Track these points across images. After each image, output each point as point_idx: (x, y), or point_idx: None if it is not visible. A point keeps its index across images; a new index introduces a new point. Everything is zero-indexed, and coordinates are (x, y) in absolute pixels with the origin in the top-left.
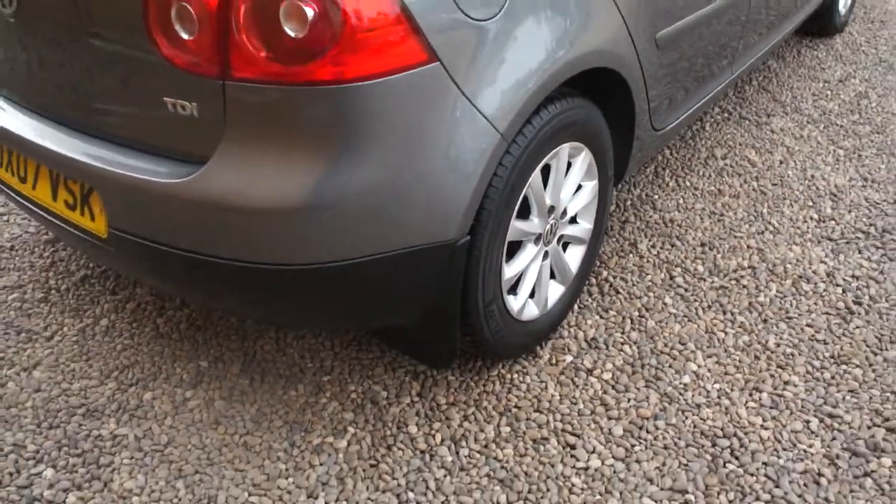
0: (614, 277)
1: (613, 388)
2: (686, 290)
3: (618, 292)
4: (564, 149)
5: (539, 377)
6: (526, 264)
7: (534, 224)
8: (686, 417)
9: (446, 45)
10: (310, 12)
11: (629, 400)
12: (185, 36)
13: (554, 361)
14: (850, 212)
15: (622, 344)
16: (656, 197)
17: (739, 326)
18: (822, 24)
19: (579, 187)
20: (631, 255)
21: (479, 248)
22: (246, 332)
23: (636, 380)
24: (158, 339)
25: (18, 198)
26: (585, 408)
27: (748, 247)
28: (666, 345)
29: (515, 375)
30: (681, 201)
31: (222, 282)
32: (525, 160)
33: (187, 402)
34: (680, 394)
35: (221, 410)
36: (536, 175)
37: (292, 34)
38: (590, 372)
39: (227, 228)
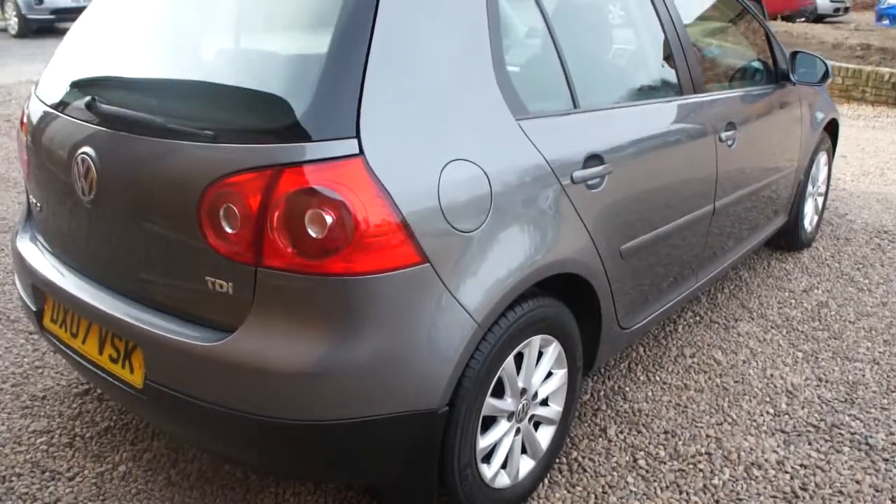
0: (583, 458)
1: None
2: (647, 471)
3: (585, 470)
4: (536, 340)
5: None
6: (499, 437)
7: (507, 403)
8: None
9: (436, 250)
10: (329, 219)
11: None
12: (228, 230)
13: None
14: (803, 408)
15: None
16: (627, 389)
17: None
18: (790, 240)
19: (550, 374)
20: (600, 439)
21: (457, 419)
22: (249, 485)
23: None
24: (170, 487)
25: (67, 350)
26: None
27: (707, 435)
28: None
29: None
30: (650, 393)
31: (239, 432)
32: (499, 347)
33: None
34: None
35: None
36: (510, 361)
37: (314, 235)
38: None
39: (248, 386)
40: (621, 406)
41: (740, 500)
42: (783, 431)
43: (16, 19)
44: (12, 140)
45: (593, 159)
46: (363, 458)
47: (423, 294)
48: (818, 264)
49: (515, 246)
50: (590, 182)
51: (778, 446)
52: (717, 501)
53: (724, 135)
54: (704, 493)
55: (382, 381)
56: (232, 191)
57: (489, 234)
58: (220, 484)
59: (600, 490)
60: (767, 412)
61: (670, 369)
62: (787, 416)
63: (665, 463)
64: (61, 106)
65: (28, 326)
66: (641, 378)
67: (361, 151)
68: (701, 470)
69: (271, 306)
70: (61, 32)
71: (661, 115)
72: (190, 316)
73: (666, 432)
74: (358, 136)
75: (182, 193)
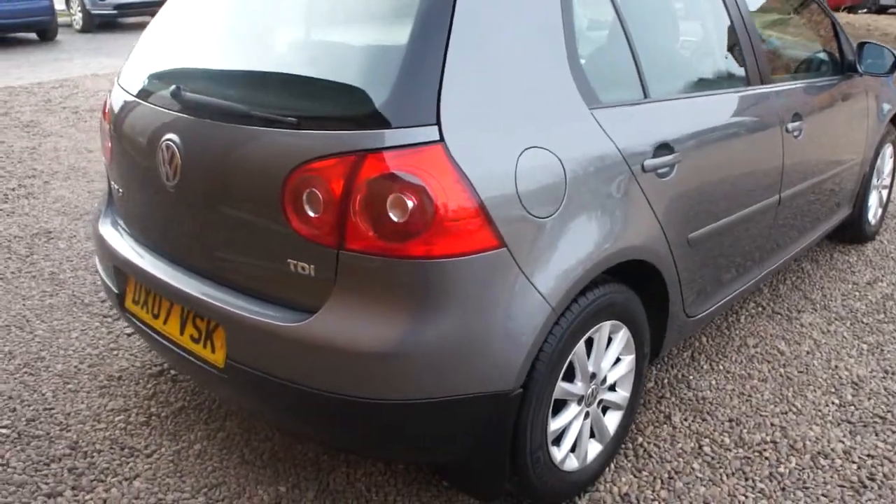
0: (648, 443)
1: None
2: (713, 458)
3: (650, 456)
4: (606, 325)
5: None
6: (569, 421)
7: (577, 387)
8: None
9: (512, 235)
10: (410, 203)
11: None
12: (311, 214)
13: None
14: (869, 399)
15: (652, 501)
16: (691, 377)
17: (759, 492)
18: (854, 232)
19: (618, 360)
20: (665, 426)
21: (530, 401)
22: (321, 464)
23: None
24: (244, 465)
25: (147, 330)
26: None
27: (772, 424)
28: (692, 503)
29: None
30: (713, 382)
31: (318, 410)
32: (571, 332)
33: None
34: None
35: None
36: (581, 345)
37: (395, 219)
38: None
39: (329, 366)
40: (685, 394)
41: (807, 488)
42: (849, 422)
43: (80, 14)
44: (80, 132)
45: (663, 148)
46: (438, 438)
47: (500, 278)
48: (882, 257)
49: (588, 232)
50: (660, 171)
51: (844, 436)
52: (783, 489)
53: (790, 126)
54: (771, 481)
55: (460, 362)
56: (315, 176)
57: (563, 221)
58: (292, 463)
59: (666, 475)
60: (833, 402)
61: (734, 359)
62: (852, 407)
63: (730, 450)
64: (145, 95)
65: (102, 309)
66: (705, 367)
67: (441, 138)
68: (767, 458)
69: (352, 288)
70: (123, 27)
71: (728, 106)
72: (271, 297)
73: (730, 420)
74: (438, 124)
75: (265, 178)
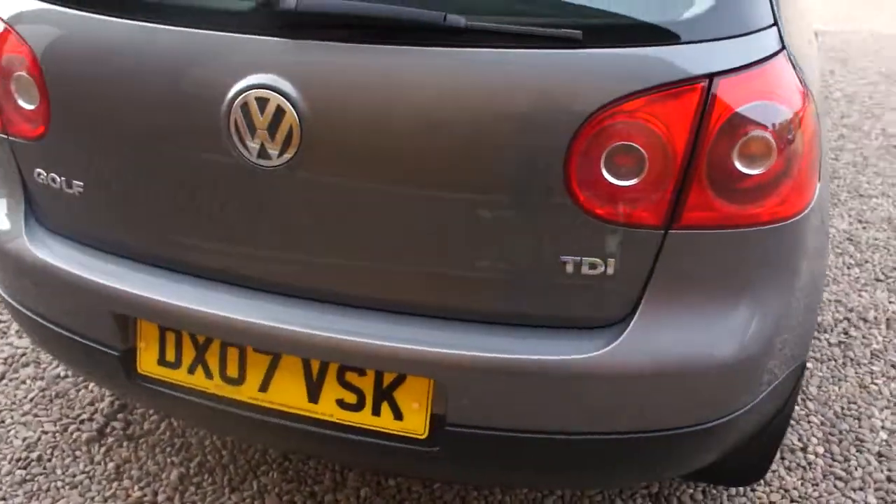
0: None
1: None
2: None
3: None
4: None
5: None
6: None
7: None
8: None
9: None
10: (773, 144)
11: None
12: (617, 182)
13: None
14: None
15: None
16: None
17: None
18: None
19: None
20: None
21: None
22: None
23: None
24: None
25: (204, 402)
26: None
27: None
28: None
29: None
30: None
31: (602, 456)
32: None
33: None
34: None
35: None
36: None
37: (749, 171)
38: None
39: (636, 398)
40: None
41: None
42: None
43: None
44: None
45: None
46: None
47: (816, 234)
48: None
49: None
50: None
51: None
52: None
53: None
54: None
55: (791, 342)
56: (633, 122)
57: None
58: None
59: None
60: None
61: None
62: None
63: None
64: (150, 10)
65: None
66: None
67: (783, 45)
68: None
69: (675, 282)
70: None
71: None
72: (513, 319)
73: None
74: (776, 24)
75: (525, 135)
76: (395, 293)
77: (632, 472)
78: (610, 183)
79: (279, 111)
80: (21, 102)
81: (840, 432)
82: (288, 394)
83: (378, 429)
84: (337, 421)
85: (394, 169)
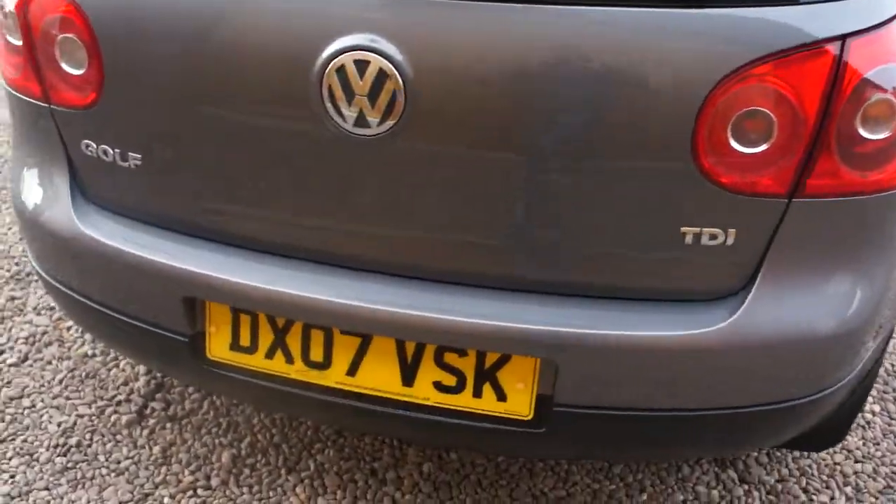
0: None
1: None
2: None
3: None
4: None
5: None
6: None
7: None
8: None
9: None
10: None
11: None
12: (744, 149)
13: None
14: None
15: None
16: None
17: None
18: None
19: None
20: None
21: None
22: None
23: None
24: None
25: (285, 388)
26: None
27: None
28: None
29: None
30: None
31: (718, 430)
32: None
33: None
34: None
35: None
36: None
37: (873, 137)
38: None
39: (758, 370)
40: None
41: None
42: None
43: None
44: None
45: None
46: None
47: None
48: None
49: None
50: None
51: None
52: None
53: None
54: None
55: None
56: (764, 86)
57: None
58: None
59: None
60: None
61: None
62: None
63: None
64: None
65: None
66: None
67: None
68: None
69: (795, 250)
70: None
71: None
72: (627, 293)
73: None
74: None
75: (648, 103)
76: (500, 268)
77: (745, 443)
78: (736, 150)
79: (381, 75)
80: (67, 67)
81: (893, 390)
82: (379, 377)
83: (479, 411)
84: (434, 404)
85: (506, 138)
